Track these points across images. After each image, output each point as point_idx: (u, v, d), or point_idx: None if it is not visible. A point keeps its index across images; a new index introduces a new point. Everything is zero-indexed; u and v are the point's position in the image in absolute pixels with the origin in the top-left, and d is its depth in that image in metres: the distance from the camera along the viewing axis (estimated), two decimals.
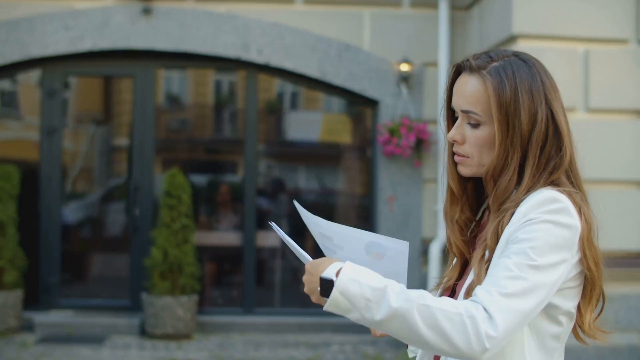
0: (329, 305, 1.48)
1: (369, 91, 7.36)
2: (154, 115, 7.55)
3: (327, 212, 7.70)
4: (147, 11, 7.25)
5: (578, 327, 1.63)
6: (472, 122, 1.61)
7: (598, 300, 1.61)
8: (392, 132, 7.10)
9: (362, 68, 7.34)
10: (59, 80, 7.51)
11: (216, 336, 7.13)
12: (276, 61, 7.32)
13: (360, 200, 7.95)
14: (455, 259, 1.71)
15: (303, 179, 8.25)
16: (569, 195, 1.55)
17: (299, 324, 7.33)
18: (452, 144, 1.67)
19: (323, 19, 7.36)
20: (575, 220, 1.52)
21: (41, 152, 7.49)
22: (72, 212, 7.85)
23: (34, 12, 7.29)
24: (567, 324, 1.59)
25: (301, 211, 1.68)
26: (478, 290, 1.47)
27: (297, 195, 7.88)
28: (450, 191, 1.71)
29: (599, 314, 1.64)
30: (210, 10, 7.32)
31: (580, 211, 1.54)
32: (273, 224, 1.74)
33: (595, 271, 1.55)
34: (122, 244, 7.70)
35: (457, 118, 1.66)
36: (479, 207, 1.73)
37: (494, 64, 1.60)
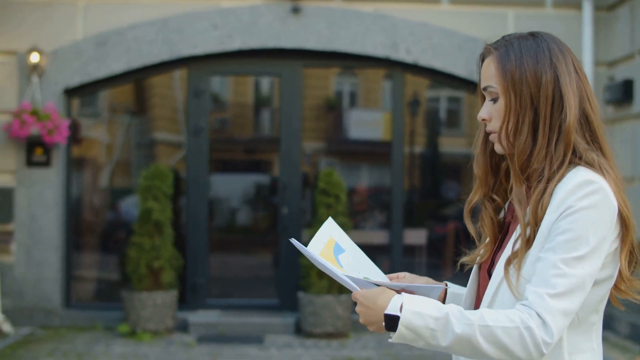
0: (396, 338, 1.60)
1: None
2: (301, 115, 7.55)
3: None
4: (296, 10, 7.26)
5: (614, 287, 1.70)
6: (493, 97, 1.71)
7: (631, 250, 1.68)
8: None
9: None
10: (204, 79, 7.48)
11: (370, 334, 7.13)
12: (425, 61, 7.36)
13: None
14: (487, 238, 1.80)
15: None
16: (588, 162, 1.63)
17: None
18: (483, 129, 1.77)
19: (469, 18, 7.42)
20: (611, 198, 1.60)
21: (187, 152, 7.45)
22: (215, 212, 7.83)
23: (182, 11, 7.27)
24: (607, 291, 1.67)
25: (301, 249, 1.75)
26: (529, 293, 1.56)
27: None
28: (478, 177, 1.80)
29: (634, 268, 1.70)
30: (358, 10, 7.35)
31: (601, 169, 1.62)
32: (295, 241, 1.79)
33: (627, 215, 1.63)
34: (266, 243, 7.68)
35: None
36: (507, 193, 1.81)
37: (505, 42, 1.72)
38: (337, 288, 6.95)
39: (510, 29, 7.42)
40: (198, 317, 7.17)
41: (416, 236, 7.71)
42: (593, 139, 1.68)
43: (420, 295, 1.69)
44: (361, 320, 1.67)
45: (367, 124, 8.31)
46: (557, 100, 1.66)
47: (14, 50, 7.22)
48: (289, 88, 7.50)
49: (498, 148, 1.73)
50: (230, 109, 8.22)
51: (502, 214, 1.80)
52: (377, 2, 7.38)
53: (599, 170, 1.63)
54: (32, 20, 7.24)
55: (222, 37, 7.26)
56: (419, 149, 8.22)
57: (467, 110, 8.06)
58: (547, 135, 1.65)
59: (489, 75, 1.71)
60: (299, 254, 7.19)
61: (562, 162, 1.63)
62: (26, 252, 7.22)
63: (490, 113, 1.72)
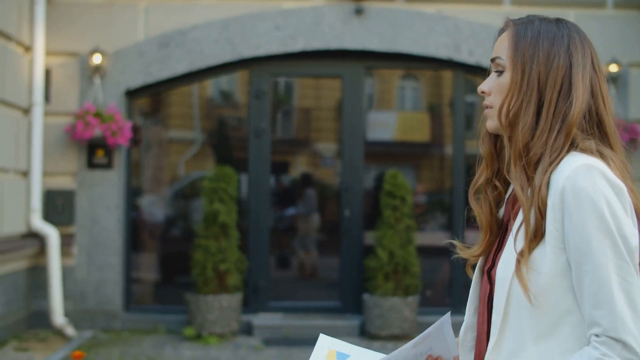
0: None
1: None
2: (362, 117, 7.51)
3: None
4: (359, 11, 7.22)
5: None
6: (498, 69, 1.63)
7: None
8: None
9: None
10: (266, 81, 7.44)
11: None
12: (487, 62, 7.30)
13: None
14: (485, 235, 1.70)
15: None
16: (587, 148, 1.55)
17: None
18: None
19: None
20: (614, 179, 1.50)
21: (249, 154, 7.41)
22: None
23: (243, 12, 7.23)
24: None
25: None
26: (591, 314, 1.45)
27: None
28: (482, 161, 1.71)
29: None
30: (420, 11, 7.32)
31: (602, 156, 1.54)
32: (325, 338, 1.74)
33: (637, 202, 1.55)
34: (328, 245, 7.64)
35: None
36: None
37: (527, 20, 1.66)
38: (403, 290, 6.91)
39: None
40: (262, 320, 7.11)
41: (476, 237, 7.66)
42: (603, 138, 1.59)
43: None
44: None
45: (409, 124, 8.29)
46: (565, 89, 1.58)
47: (75, 51, 7.17)
48: (350, 90, 7.46)
49: (491, 125, 1.65)
50: (290, 111, 8.15)
51: (501, 211, 1.69)
52: (440, 3, 7.35)
53: (598, 155, 1.54)
54: (93, 22, 7.19)
55: (284, 38, 7.22)
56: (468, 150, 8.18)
57: None
58: (550, 122, 1.57)
59: (501, 48, 1.64)
60: (363, 255, 7.16)
61: (559, 153, 1.54)
62: (87, 254, 7.17)
63: (492, 86, 1.64)
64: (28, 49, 6.96)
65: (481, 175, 1.70)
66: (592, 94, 1.60)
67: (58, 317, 6.89)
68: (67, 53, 7.17)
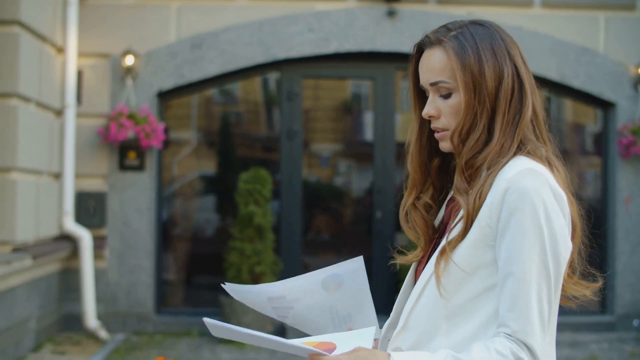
0: None
1: (606, 94, 7.44)
2: (393, 119, 7.51)
3: None
4: (391, 13, 7.23)
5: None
6: (443, 93, 1.60)
7: (578, 248, 1.62)
8: (635, 133, 7.21)
9: (599, 71, 7.42)
10: (298, 83, 7.42)
11: None
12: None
13: (590, 203, 7.95)
14: (423, 245, 1.72)
15: None
16: (536, 155, 1.56)
17: None
18: (419, 127, 1.68)
19: (560, 22, 7.43)
20: (556, 186, 1.52)
21: (281, 155, 7.40)
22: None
23: (276, 14, 7.22)
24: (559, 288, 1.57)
25: (234, 289, 1.65)
26: (503, 314, 1.47)
27: None
28: (411, 179, 1.71)
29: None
30: (451, 13, 7.33)
31: (550, 164, 1.56)
32: (209, 320, 1.55)
33: (576, 219, 1.58)
34: (359, 247, 7.63)
35: (426, 98, 1.66)
36: (443, 193, 1.73)
37: (452, 32, 1.62)
38: None
39: (602, 32, 7.45)
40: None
41: None
42: (539, 134, 1.61)
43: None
44: None
45: None
46: (517, 95, 1.58)
47: (107, 53, 7.13)
48: (382, 92, 7.47)
49: (447, 146, 1.63)
50: (321, 112, 8.11)
51: (439, 216, 1.70)
52: (471, 6, 7.38)
53: (547, 163, 1.55)
54: (125, 23, 7.15)
55: (317, 40, 7.21)
56: None
57: (557, 113, 8.06)
58: (505, 130, 1.56)
59: (439, 69, 1.59)
60: (387, 257, 7.15)
61: (506, 155, 1.55)
62: (118, 257, 7.13)
63: (440, 109, 1.61)
64: (60, 50, 6.92)
65: (410, 196, 1.70)
66: (532, 91, 1.61)
67: (91, 320, 6.84)
68: (99, 54, 7.13)
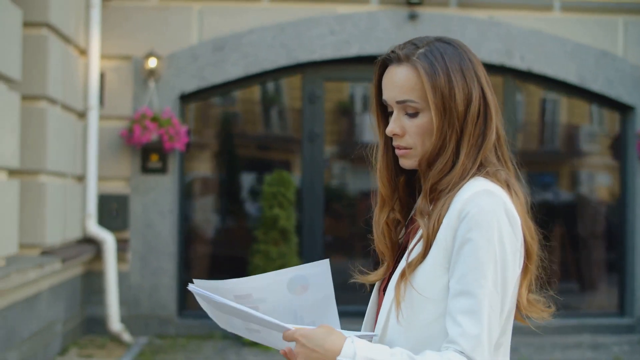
0: None
1: (624, 97, 7.51)
2: None
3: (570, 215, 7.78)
4: (413, 17, 7.26)
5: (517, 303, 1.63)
6: (409, 111, 1.58)
7: (536, 275, 1.63)
8: None
9: (618, 75, 7.48)
10: (320, 85, 7.43)
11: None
12: (538, 68, 7.41)
13: (609, 206, 8.00)
14: (388, 263, 1.71)
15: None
16: (496, 178, 1.55)
17: (556, 327, 7.39)
18: (385, 143, 1.67)
19: (579, 26, 7.48)
20: (512, 209, 1.52)
21: (303, 158, 7.40)
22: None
23: (298, 17, 7.23)
24: (512, 309, 1.59)
25: (200, 290, 1.59)
26: (452, 330, 1.48)
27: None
28: (380, 195, 1.70)
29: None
30: (473, 16, 7.37)
31: (509, 188, 1.55)
32: (193, 287, 1.59)
33: (531, 243, 1.57)
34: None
35: (389, 113, 1.65)
36: (409, 209, 1.72)
37: (421, 50, 1.58)
38: None
39: (620, 35, 7.51)
40: None
41: None
42: (501, 155, 1.61)
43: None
44: None
45: None
46: (482, 117, 1.57)
47: (128, 55, 7.11)
48: None
49: (409, 164, 1.62)
50: (345, 115, 8.11)
51: (401, 234, 1.70)
52: (491, 9, 7.42)
53: (505, 186, 1.55)
54: (147, 25, 7.13)
55: (339, 43, 7.23)
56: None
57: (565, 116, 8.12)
58: (469, 153, 1.56)
59: (408, 88, 1.57)
60: None
61: (465, 176, 1.55)
62: (141, 259, 7.11)
63: (406, 128, 1.59)
64: (83, 51, 6.89)
65: (383, 214, 1.69)
66: (496, 112, 1.61)
67: (114, 323, 6.82)
68: (120, 56, 7.11)
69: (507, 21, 7.39)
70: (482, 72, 1.60)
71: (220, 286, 1.57)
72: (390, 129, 1.59)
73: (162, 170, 7.10)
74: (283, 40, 7.19)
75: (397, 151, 1.62)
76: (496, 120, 1.59)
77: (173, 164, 7.13)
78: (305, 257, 7.30)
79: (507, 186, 1.55)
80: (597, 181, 8.05)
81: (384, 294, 1.65)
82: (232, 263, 7.57)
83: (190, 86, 7.16)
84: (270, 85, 7.76)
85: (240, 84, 7.40)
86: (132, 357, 6.38)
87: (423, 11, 7.30)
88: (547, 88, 7.78)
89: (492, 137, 1.57)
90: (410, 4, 7.23)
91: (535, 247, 1.57)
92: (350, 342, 1.48)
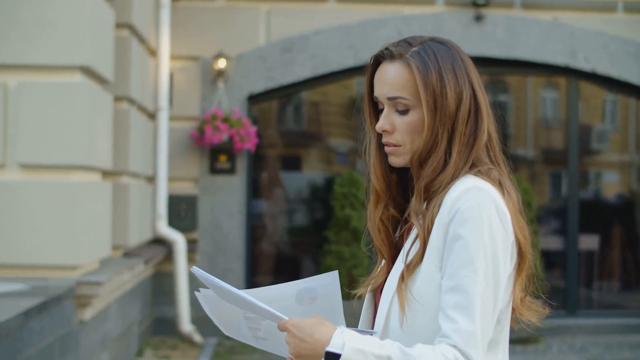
0: None
1: None
2: None
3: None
4: (479, 18, 7.29)
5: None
6: (400, 108, 1.59)
7: (529, 276, 1.63)
8: None
9: None
10: None
11: (555, 338, 7.16)
12: (602, 69, 7.45)
13: None
14: (383, 260, 1.71)
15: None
16: (488, 176, 1.56)
17: (622, 326, 7.44)
18: (377, 139, 1.65)
19: None
20: (502, 206, 1.53)
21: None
22: None
23: (365, 18, 7.24)
24: (508, 306, 1.59)
25: (202, 272, 1.61)
26: (445, 325, 1.48)
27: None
28: (374, 191, 1.68)
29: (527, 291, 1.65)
30: (537, 18, 7.40)
31: (501, 186, 1.56)
32: (197, 270, 1.61)
33: (523, 243, 1.57)
34: None
35: (380, 110, 1.64)
36: (404, 205, 1.70)
37: (414, 48, 1.59)
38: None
39: None
40: None
41: (590, 241, 7.79)
42: (494, 156, 1.61)
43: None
44: (291, 352, 1.50)
45: None
46: (473, 118, 1.58)
47: (196, 55, 7.11)
48: None
49: (398, 161, 1.62)
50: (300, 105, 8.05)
51: (396, 234, 1.69)
52: (556, 11, 7.45)
53: (497, 185, 1.55)
54: (214, 26, 7.14)
55: None
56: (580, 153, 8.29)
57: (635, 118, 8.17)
58: (460, 153, 1.57)
59: (400, 85, 1.57)
60: None
61: (457, 175, 1.56)
62: (209, 260, 7.11)
63: (396, 125, 1.59)
64: (153, 52, 6.89)
65: (378, 210, 1.68)
66: (487, 114, 1.61)
67: (185, 324, 6.82)
68: (189, 57, 7.11)
69: (571, 22, 7.43)
70: (474, 73, 1.61)
71: (227, 290, 1.57)
72: (380, 125, 1.60)
73: (231, 170, 7.10)
74: (350, 41, 7.20)
75: (386, 148, 1.62)
76: (487, 121, 1.60)
77: (241, 164, 7.13)
78: (373, 257, 7.31)
79: (500, 185, 1.55)
80: None
81: (380, 294, 1.64)
82: (299, 264, 7.58)
83: (258, 87, 7.17)
84: (338, 87, 7.76)
85: (308, 84, 7.41)
86: (208, 357, 6.38)
87: (489, 12, 7.33)
88: (610, 89, 7.83)
89: (484, 137, 1.58)
90: (476, 5, 7.25)
91: (528, 247, 1.57)
92: (339, 332, 1.47)
